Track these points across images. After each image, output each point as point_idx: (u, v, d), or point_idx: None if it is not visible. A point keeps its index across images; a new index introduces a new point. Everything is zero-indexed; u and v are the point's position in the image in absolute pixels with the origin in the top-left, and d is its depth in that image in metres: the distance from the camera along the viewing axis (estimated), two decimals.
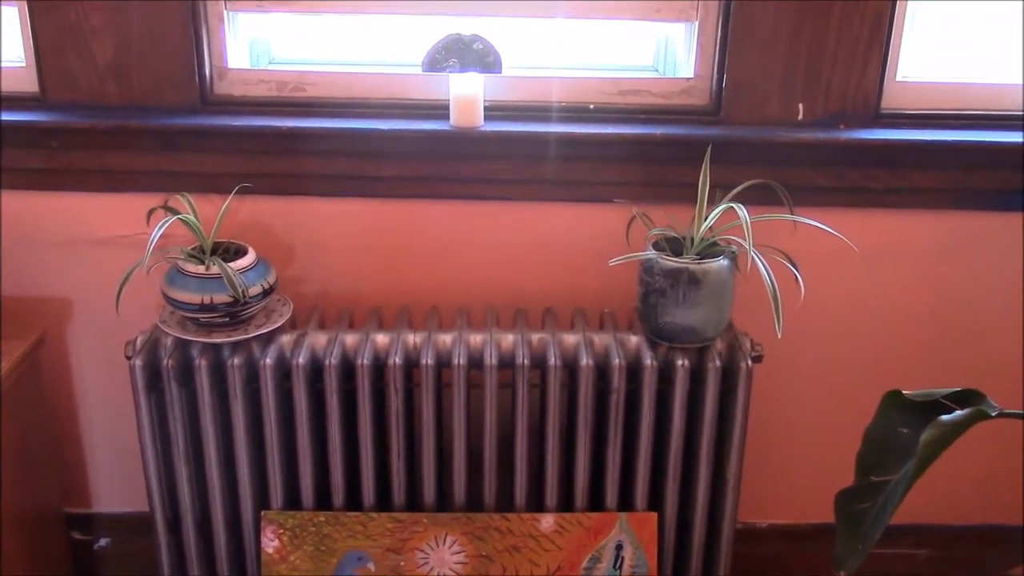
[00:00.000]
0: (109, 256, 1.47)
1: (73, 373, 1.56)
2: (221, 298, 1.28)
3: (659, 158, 1.40)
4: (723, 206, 1.28)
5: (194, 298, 1.28)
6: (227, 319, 1.31)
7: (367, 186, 1.43)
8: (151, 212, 1.36)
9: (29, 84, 1.40)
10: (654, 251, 1.30)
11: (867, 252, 1.44)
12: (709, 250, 1.32)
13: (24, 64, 1.40)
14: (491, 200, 1.45)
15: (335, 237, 1.47)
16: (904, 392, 1.13)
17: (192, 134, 1.38)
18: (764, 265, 1.23)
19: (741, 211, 1.24)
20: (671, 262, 1.28)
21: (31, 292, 1.49)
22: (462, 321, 1.40)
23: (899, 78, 1.42)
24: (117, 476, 1.63)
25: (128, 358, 1.33)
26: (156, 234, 1.27)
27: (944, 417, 1.05)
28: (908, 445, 1.12)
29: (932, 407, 1.11)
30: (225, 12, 1.39)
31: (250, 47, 1.47)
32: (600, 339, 1.36)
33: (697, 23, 1.39)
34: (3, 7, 1.38)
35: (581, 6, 1.38)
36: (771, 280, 1.22)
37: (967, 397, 1.10)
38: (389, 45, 1.51)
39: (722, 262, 1.29)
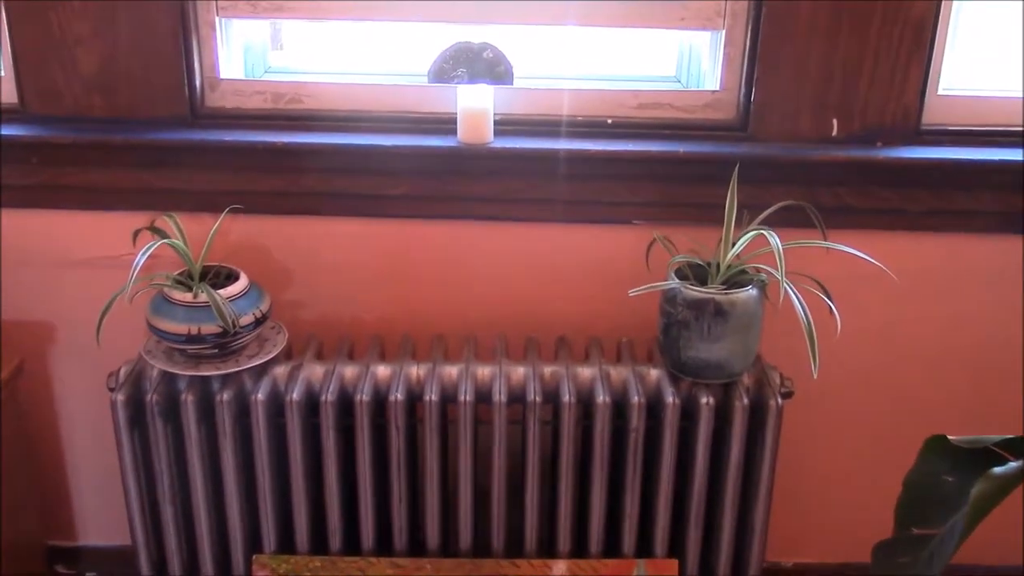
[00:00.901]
0: (94, 278, 1.38)
1: (56, 400, 1.48)
2: (209, 328, 1.19)
3: (682, 177, 1.30)
4: (752, 232, 1.18)
5: (180, 328, 1.19)
6: (216, 350, 1.22)
7: (369, 205, 1.33)
8: (137, 233, 1.27)
9: (8, 95, 1.31)
10: (677, 280, 1.20)
11: (906, 279, 1.34)
12: (737, 278, 1.22)
13: (3, 74, 1.31)
14: (501, 221, 1.35)
15: (334, 259, 1.38)
16: (949, 437, 1.03)
17: (181, 150, 1.29)
18: (798, 298, 1.13)
19: (773, 238, 1.14)
20: (695, 292, 1.18)
21: (10, 316, 1.41)
22: (469, 351, 1.31)
23: (941, 91, 1.32)
24: (103, 508, 1.54)
25: (111, 390, 1.24)
26: (139, 260, 1.18)
27: (997, 469, 0.97)
28: (953, 496, 1.04)
29: (981, 455, 1.02)
30: (217, 19, 1.29)
31: (244, 56, 1.38)
32: (617, 373, 1.26)
33: (724, 31, 1.29)
34: None
35: (598, 12, 1.28)
36: (806, 315, 1.12)
37: (1021, 445, 1.01)
38: (392, 54, 1.42)
39: (751, 292, 1.19)
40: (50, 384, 1.46)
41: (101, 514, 1.55)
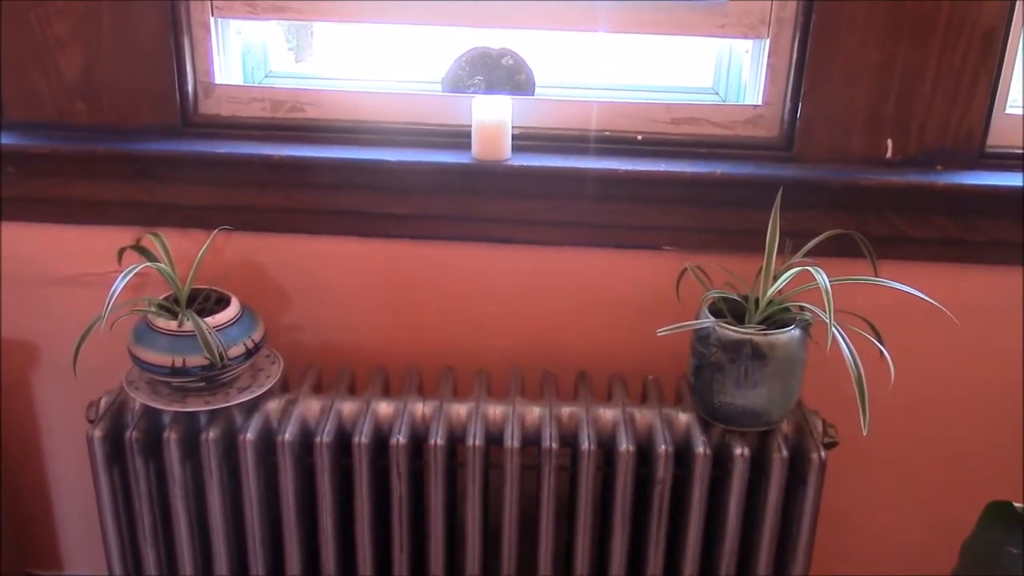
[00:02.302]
0: (78, 296, 1.28)
1: (39, 424, 1.38)
2: (196, 360, 1.08)
3: (718, 200, 1.18)
4: (796, 270, 1.06)
5: (164, 360, 1.09)
6: (204, 383, 1.12)
7: (374, 224, 1.22)
8: (122, 251, 1.17)
9: None
10: (711, 317, 1.08)
11: (965, 317, 1.21)
12: (777, 316, 1.10)
13: None
14: (518, 244, 1.23)
15: (336, 282, 1.27)
16: (1015, 504, 0.92)
17: (171, 161, 1.18)
18: (847, 344, 1.01)
19: (820, 277, 1.02)
20: (732, 332, 1.06)
21: None
22: (480, 387, 1.20)
23: (1009, 110, 1.19)
24: (88, 536, 1.44)
25: (90, 422, 1.14)
26: (118, 285, 1.07)
27: None
28: (1018, 572, 0.92)
29: None
30: (212, 19, 1.18)
31: (243, 59, 1.27)
32: (643, 416, 1.15)
33: (768, 40, 1.17)
34: None
35: (629, 18, 1.16)
36: (856, 364, 1.00)
37: None
38: (405, 60, 1.31)
39: (793, 334, 1.07)
40: (32, 407, 1.37)
41: (86, 543, 1.46)
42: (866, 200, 1.17)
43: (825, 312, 1.00)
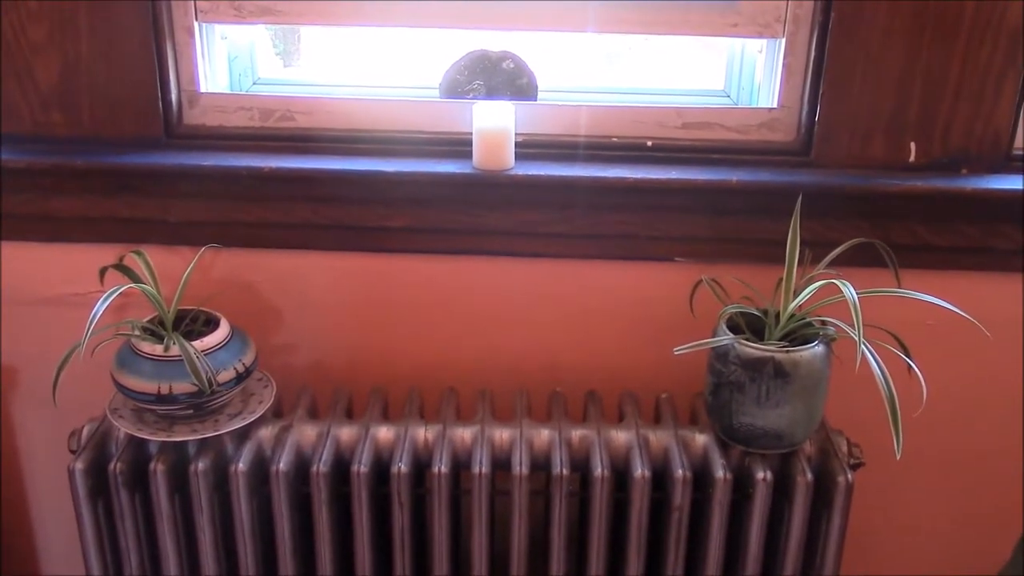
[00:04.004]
0: (59, 317, 1.22)
1: (20, 453, 1.31)
2: (183, 387, 1.02)
3: (732, 209, 1.12)
4: (821, 283, 1.00)
5: (149, 387, 1.02)
6: (192, 411, 1.05)
7: (371, 238, 1.16)
8: (104, 271, 1.10)
9: None
10: (729, 334, 1.02)
11: (996, 329, 1.15)
12: (799, 331, 1.04)
13: None
14: (522, 257, 1.17)
15: (331, 299, 1.20)
16: None
17: (154, 175, 1.12)
18: (878, 362, 0.94)
19: (847, 289, 0.95)
20: (752, 349, 1.00)
21: None
22: (485, 409, 1.13)
23: None
24: (74, 569, 1.37)
25: (73, 452, 1.08)
26: (99, 308, 1.00)
27: None
28: None
29: None
30: (196, 24, 1.12)
31: (229, 65, 1.21)
32: (657, 438, 1.09)
33: (784, 39, 1.11)
34: None
35: (638, 17, 1.10)
36: (887, 384, 0.94)
37: None
38: (397, 64, 1.25)
39: (817, 350, 1.01)
40: (12, 436, 1.30)
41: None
42: (888, 207, 1.11)
43: (851, 327, 0.94)
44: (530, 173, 1.09)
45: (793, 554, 1.06)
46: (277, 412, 1.14)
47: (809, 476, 1.04)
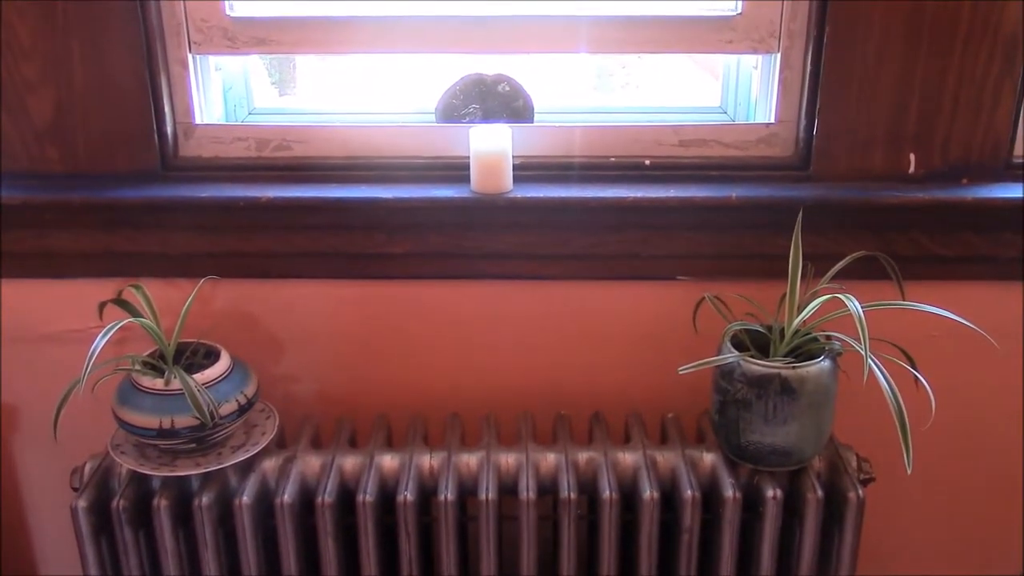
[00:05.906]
0: (60, 354, 1.21)
1: (22, 492, 1.30)
2: (185, 421, 1.01)
3: (733, 225, 1.12)
4: (825, 297, 0.99)
5: (151, 421, 1.01)
6: (194, 444, 1.04)
7: (370, 266, 1.15)
8: (103, 306, 1.09)
9: None
10: (734, 351, 1.01)
11: (1001, 337, 1.14)
12: (804, 346, 1.03)
13: None
14: (523, 280, 1.16)
15: (332, 327, 1.19)
16: None
17: (151, 208, 1.11)
18: (885, 376, 0.94)
19: (852, 304, 0.95)
20: (758, 366, 0.99)
21: None
22: (490, 434, 1.12)
23: None
24: None
25: (75, 490, 1.07)
26: (98, 344, 0.99)
27: None
28: None
29: None
30: (190, 56, 1.12)
31: (224, 96, 1.20)
32: (665, 459, 1.08)
33: (779, 54, 1.11)
34: None
35: (631, 36, 1.10)
36: (896, 398, 0.93)
37: None
38: (392, 90, 1.24)
39: (823, 365, 1.00)
40: (15, 474, 1.29)
41: None
42: (890, 219, 1.11)
43: (857, 341, 0.93)
44: (529, 195, 1.09)
45: (805, 573, 1.05)
46: (280, 443, 1.14)
47: (819, 493, 1.02)
